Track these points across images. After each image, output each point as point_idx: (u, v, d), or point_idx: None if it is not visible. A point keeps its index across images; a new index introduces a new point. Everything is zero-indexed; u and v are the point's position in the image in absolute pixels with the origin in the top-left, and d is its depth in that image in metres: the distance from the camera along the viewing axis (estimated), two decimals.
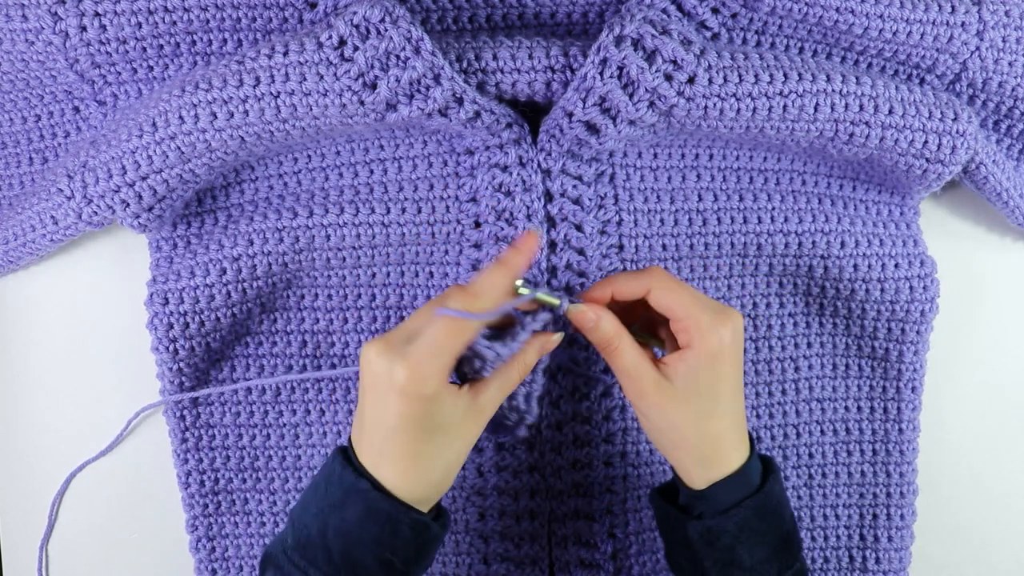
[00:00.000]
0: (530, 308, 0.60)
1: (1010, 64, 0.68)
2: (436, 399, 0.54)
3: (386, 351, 0.54)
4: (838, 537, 0.76)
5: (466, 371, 0.58)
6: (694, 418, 0.57)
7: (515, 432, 0.63)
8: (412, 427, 0.54)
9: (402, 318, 0.71)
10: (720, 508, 0.57)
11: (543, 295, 0.59)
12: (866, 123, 0.64)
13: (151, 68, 0.66)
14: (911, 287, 0.71)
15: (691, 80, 0.60)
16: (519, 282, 0.58)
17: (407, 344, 0.54)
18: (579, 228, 0.68)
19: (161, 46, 0.65)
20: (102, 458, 0.76)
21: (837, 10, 0.64)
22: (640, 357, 0.58)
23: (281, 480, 0.74)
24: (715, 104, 0.61)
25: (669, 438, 0.58)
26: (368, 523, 0.54)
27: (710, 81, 0.61)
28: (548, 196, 0.68)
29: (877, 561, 0.75)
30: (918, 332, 0.72)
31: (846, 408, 0.75)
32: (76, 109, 0.70)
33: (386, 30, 0.59)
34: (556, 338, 0.60)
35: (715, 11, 0.64)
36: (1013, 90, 0.69)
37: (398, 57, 0.59)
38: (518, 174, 0.67)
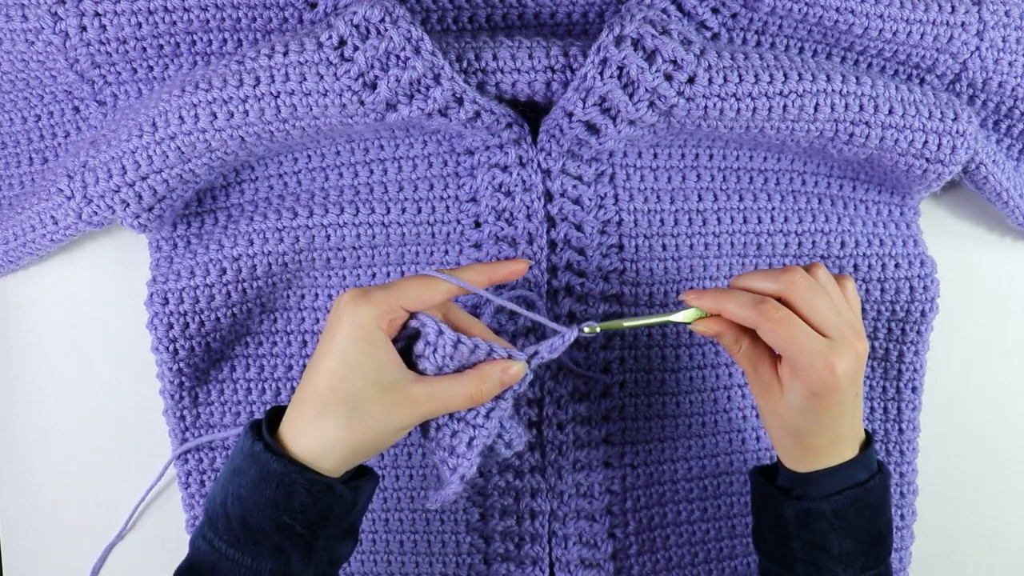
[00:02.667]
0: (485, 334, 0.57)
1: (1010, 64, 0.68)
2: (368, 336, 0.53)
3: (349, 291, 0.55)
4: None
5: (414, 361, 0.55)
6: (791, 431, 0.58)
7: (447, 485, 0.57)
8: (337, 357, 0.52)
9: None
10: (820, 493, 0.58)
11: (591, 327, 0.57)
12: (866, 123, 0.64)
13: (151, 68, 0.66)
14: (911, 287, 0.71)
15: (691, 80, 0.60)
16: (587, 328, 0.57)
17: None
18: (579, 228, 0.68)
19: (161, 46, 0.65)
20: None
21: (837, 10, 0.64)
22: (756, 362, 0.58)
23: None
24: (715, 104, 0.61)
25: (772, 432, 0.60)
26: (262, 486, 0.52)
27: (710, 81, 0.61)
28: (548, 196, 0.68)
29: None
30: (918, 332, 0.72)
31: None
32: (76, 109, 0.70)
33: (386, 30, 0.59)
34: (516, 369, 0.55)
35: (715, 11, 0.64)
36: (1013, 90, 0.69)
37: (398, 57, 0.59)
38: (518, 174, 0.67)
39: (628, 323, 0.59)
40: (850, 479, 0.58)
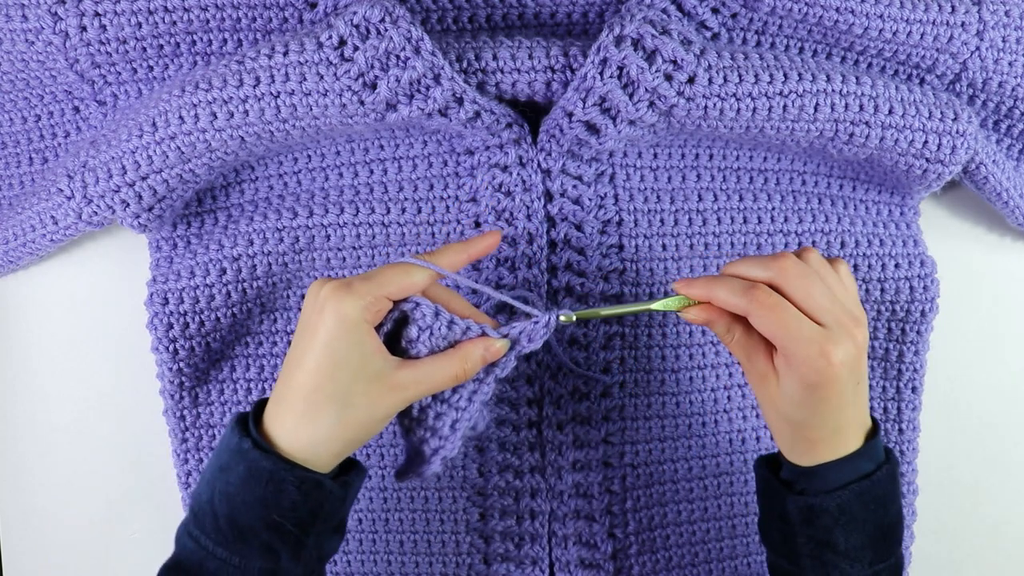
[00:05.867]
0: (463, 308, 0.57)
1: (1010, 64, 0.68)
2: (354, 331, 0.52)
3: (326, 279, 0.54)
4: None
5: (404, 345, 0.55)
6: (790, 423, 0.56)
7: (425, 465, 0.58)
8: (323, 352, 0.52)
9: None
10: (824, 488, 0.56)
11: (565, 316, 0.57)
12: (866, 123, 0.64)
13: (151, 68, 0.66)
14: (911, 287, 0.71)
15: (691, 80, 0.60)
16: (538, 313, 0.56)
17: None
18: (579, 228, 0.68)
19: (161, 46, 0.65)
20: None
21: (837, 10, 0.64)
22: (750, 351, 0.56)
23: None
24: (715, 104, 0.61)
25: (772, 424, 0.58)
26: (251, 483, 0.51)
27: (710, 81, 0.61)
28: (548, 196, 0.68)
29: None
30: (918, 332, 0.72)
31: None
32: (76, 109, 0.70)
33: (386, 30, 0.59)
34: (500, 346, 0.56)
35: (715, 11, 0.64)
36: (1013, 90, 0.69)
37: (398, 57, 0.59)
38: (518, 174, 0.67)
39: (606, 311, 0.58)
40: (855, 472, 0.56)
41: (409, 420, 0.57)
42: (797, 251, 0.56)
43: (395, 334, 0.56)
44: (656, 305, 0.58)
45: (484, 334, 0.56)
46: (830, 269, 0.56)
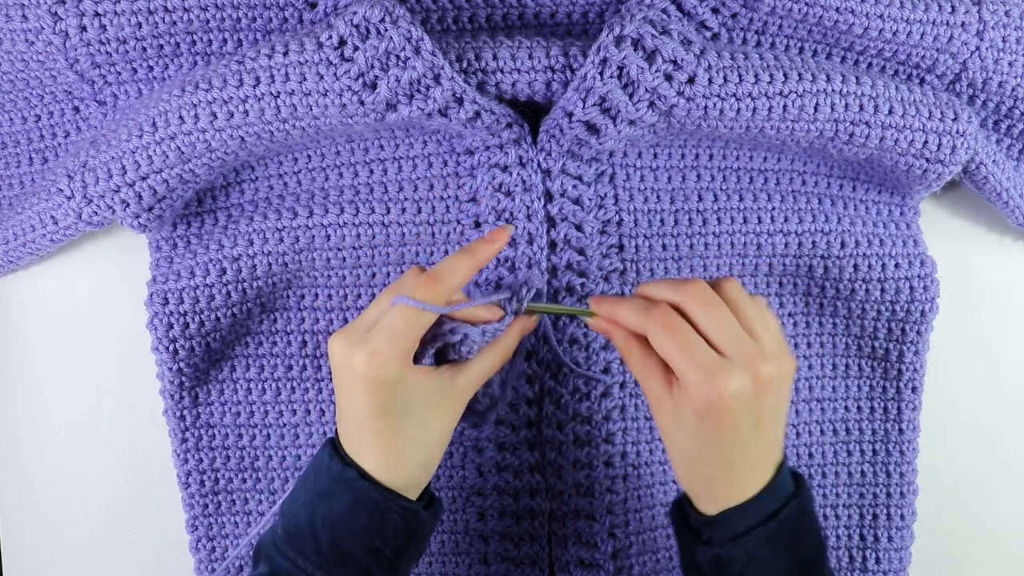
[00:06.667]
0: (489, 314, 0.59)
1: (1010, 64, 0.68)
2: (401, 383, 0.54)
3: (346, 340, 0.54)
4: (838, 537, 0.76)
5: (451, 356, 0.58)
6: (683, 455, 0.54)
7: (485, 417, 0.63)
8: (382, 414, 0.54)
9: None
10: (729, 535, 0.52)
11: (538, 306, 0.61)
12: (866, 123, 0.64)
13: (151, 68, 0.66)
14: (911, 287, 0.71)
15: (691, 80, 0.60)
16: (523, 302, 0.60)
17: (367, 332, 0.54)
18: (579, 228, 0.68)
19: (161, 46, 0.65)
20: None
21: (837, 10, 0.64)
22: (647, 372, 0.54)
23: (281, 480, 0.74)
24: (715, 104, 0.61)
25: (669, 456, 0.56)
26: (357, 512, 0.54)
27: (710, 81, 0.61)
28: (548, 196, 0.68)
29: (877, 561, 0.75)
30: (918, 332, 0.72)
31: (846, 408, 0.75)
32: (76, 109, 0.70)
33: (386, 30, 0.59)
34: (530, 323, 0.61)
35: (715, 11, 0.64)
36: (1013, 90, 0.69)
37: (398, 57, 0.59)
38: (518, 174, 0.67)
39: (543, 307, 0.62)
40: (760, 513, 0.52)
41: None
42: (715, 280, 0.54)
43: (445, 348, 0.58)
44: (576, 311, 0.61)
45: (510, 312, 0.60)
46: (751, 302, 0.53)
